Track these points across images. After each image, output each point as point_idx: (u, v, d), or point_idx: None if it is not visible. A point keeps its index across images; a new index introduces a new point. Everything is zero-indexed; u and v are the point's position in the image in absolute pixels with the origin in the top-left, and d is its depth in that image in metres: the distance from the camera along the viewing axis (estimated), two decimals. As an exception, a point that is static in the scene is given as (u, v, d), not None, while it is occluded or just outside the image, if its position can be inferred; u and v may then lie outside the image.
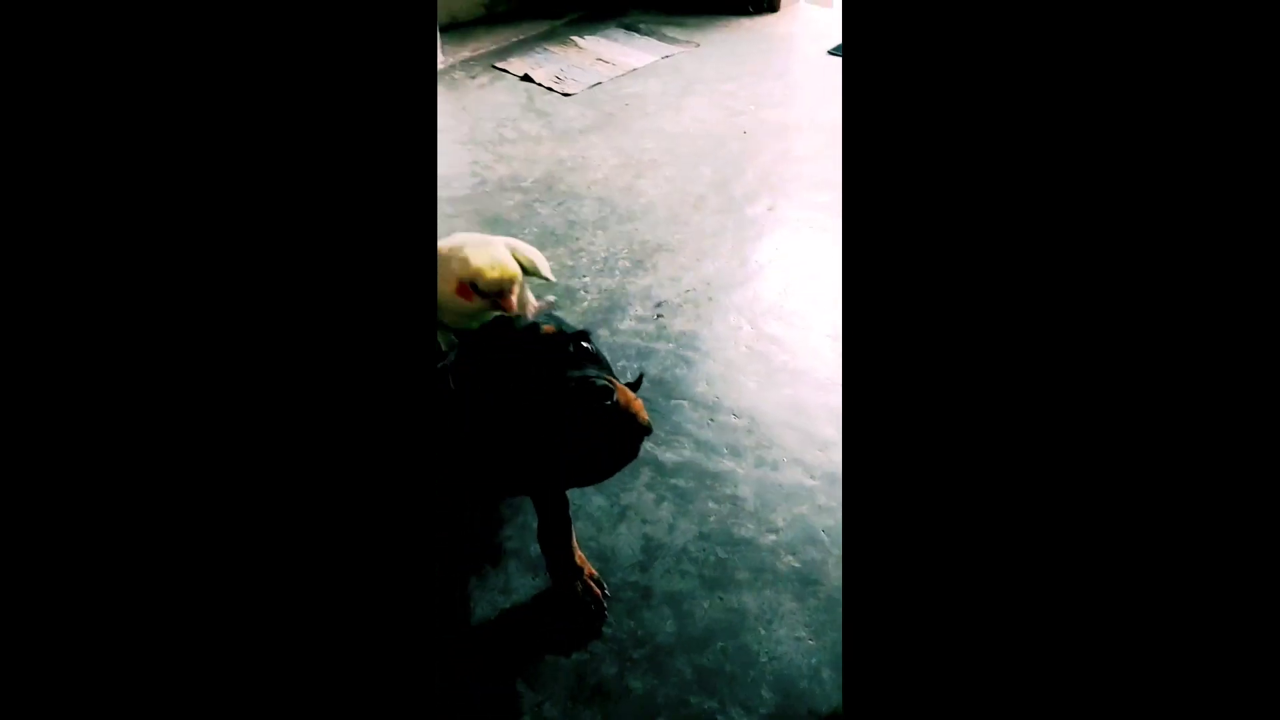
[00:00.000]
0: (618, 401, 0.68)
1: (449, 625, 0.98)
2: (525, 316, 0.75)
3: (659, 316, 1.49)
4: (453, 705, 0.89)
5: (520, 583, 1.02)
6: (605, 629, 0.96)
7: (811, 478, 1.15)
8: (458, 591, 1.01)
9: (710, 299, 1.53)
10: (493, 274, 0.64)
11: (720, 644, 0.94)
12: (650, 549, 1.05)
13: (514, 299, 0.66)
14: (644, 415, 0.70)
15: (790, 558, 1.03)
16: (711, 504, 1.11)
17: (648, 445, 1.20)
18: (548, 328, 0.73)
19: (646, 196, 1.91)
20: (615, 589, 1.00)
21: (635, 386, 1.29)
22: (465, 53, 2.83)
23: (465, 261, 0.65)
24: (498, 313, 0.71)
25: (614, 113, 2.36)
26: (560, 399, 0.68)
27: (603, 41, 2.86)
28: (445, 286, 0.69)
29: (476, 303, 0.67)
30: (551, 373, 0.70)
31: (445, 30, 2.86)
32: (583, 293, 1.55)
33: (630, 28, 2.99)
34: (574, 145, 2.18)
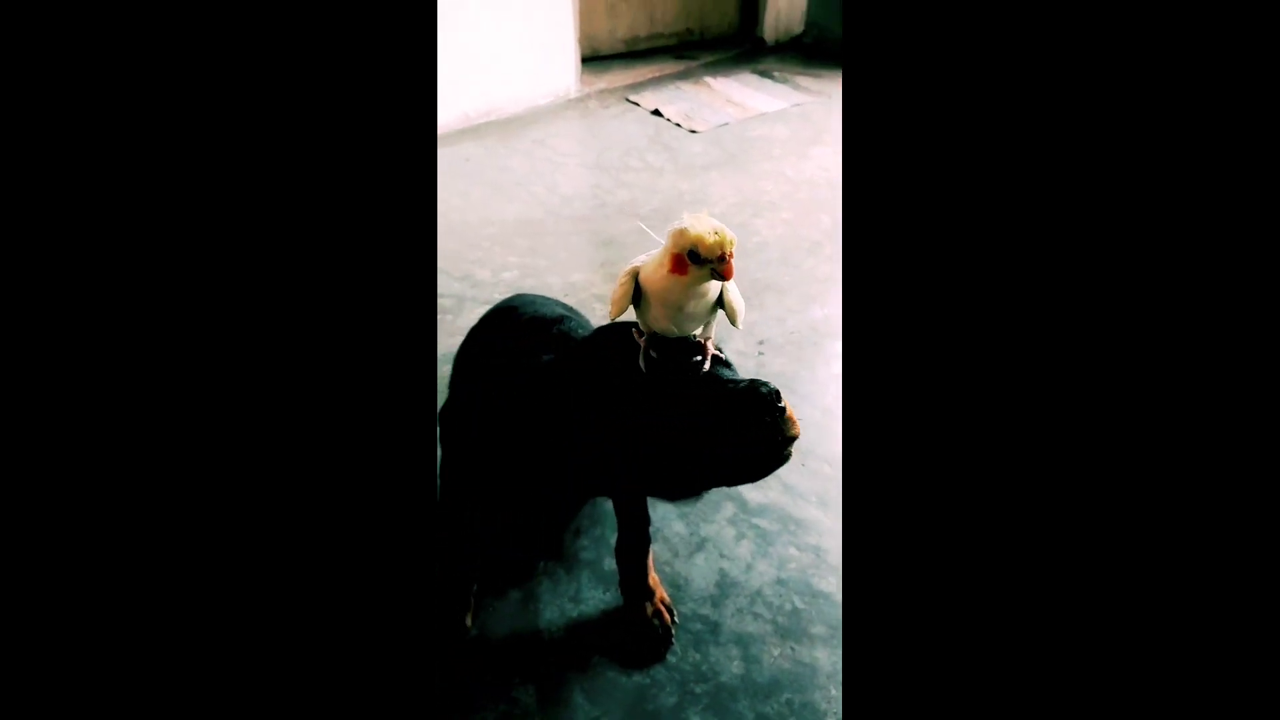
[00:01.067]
0: (785, 409, 0.71)
1: (511, 625, 0.99)
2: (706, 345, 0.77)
3: (760, 354, 1.48)
4: (509, 704, 0.90)
5: (591, 594, 1.02)
6: (670, 656, 0.94)
7: (902, 541, 1.09)
8: (526, 592, 1.02)
9: (814, 344, 1.51)
10: (714, 238, 0.66)
11: (786, 696, 0.90)
12: (725, 584, 1.03)
13: (733, 264, 0.67)
14: (797, 426, 0.72)
15: (871, 620, 0.98)
16: (793, 550, 1.08)
17: (734, 480, 1.18)
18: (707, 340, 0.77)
19: (761, 236, 1.91)
20: (684, 619, 0.99)
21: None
22: (601, 84, 2.97)
23: (682, 232, 0.67)
24: (717, 284, 0.72)
25: (737, 153, 2.39)
26: (731, 398, 0.71)
27: (735, 84, 2.92)
28: (659, 271, 0.71)
29: (693, 274, 0.68)
30: (716, 376, 0.74)
31: (586, 61, 3.01)
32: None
33: (764, 74, 3.04)
34: (695, 180, 2.22)
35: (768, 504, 1.15)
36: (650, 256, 0.73)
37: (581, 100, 2.87)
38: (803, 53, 3.32)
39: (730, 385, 0.72)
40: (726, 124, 2.60)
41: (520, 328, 0.98)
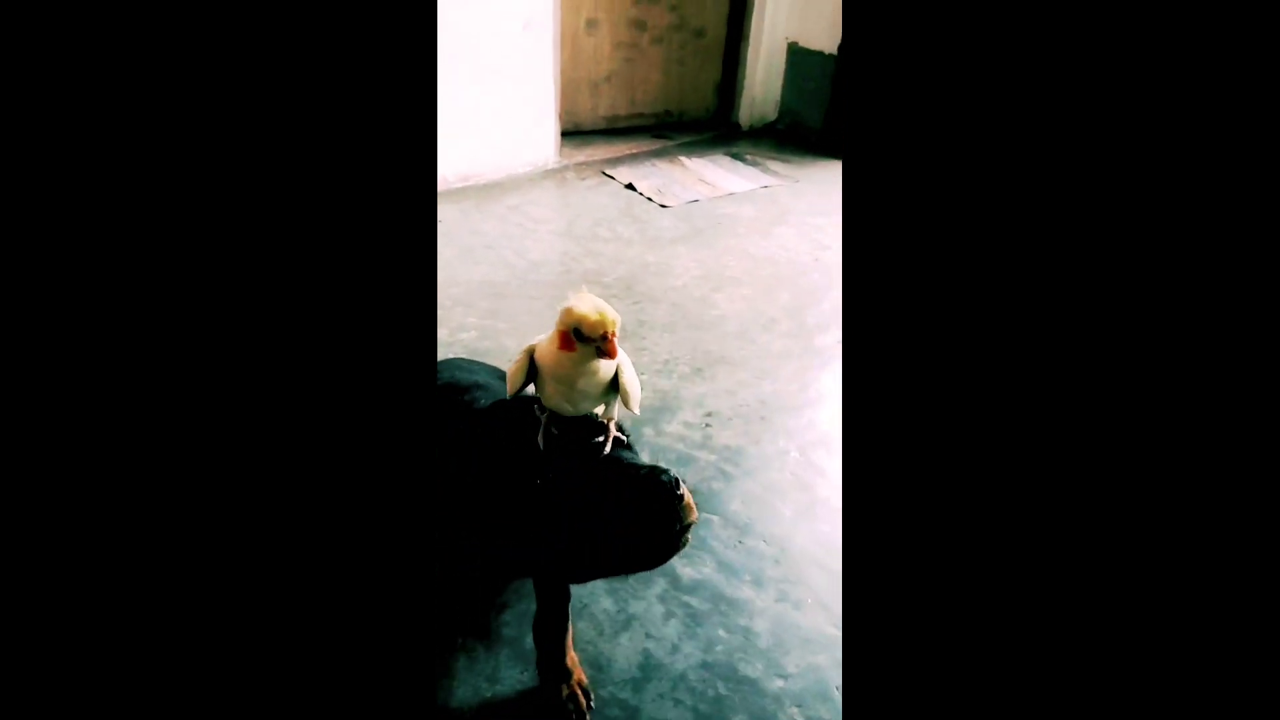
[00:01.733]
0: (684, 496, 0.71)
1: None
2: (607, 424, 0.79)
3: (707, 426, 1.48)
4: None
5: (508, 674, 0.98)
6: (582, 744, 0.89)
7: (834, 626, 1.06)
8: (440, 669, 0.98)
9: (763, 418, 1.51)
10: (596, 317, 0.67)
11: (701, 792, 0.85)
12: (648, 666, 0.99)
13: (616, 343, 0.68)
14: (695, 513, 0.72)
15: (795, 710, 0.94)
16: (722, 631, 1.04)
17: (669, 555, 1.15)
18: (609, 419, 0.78)
19: (720, 310, 1.94)
20: (602, 702, 0.94)
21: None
22: (580, 157, 3.08)
23: (567, 310, 0.69)
24: (610, 363, 0.72)
25: (704, 229, 2.46)
26: (630, 484, 0.71)
27: (708, 165, 3.04)
28: (550, 348, 0.72)
29: (580, 351, 0.69)
30: (616, 459, 0.75)
31: (567, 135, 3.13)
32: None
33: (737, 156, 3.17)
34: (661, 252, 2.28)
35: (701, 580, 1.12)
36: (547, 336, 0.75)
37: (560, 171, 2.96)
38: (776, 138, 3.48)
39: (630, 468, 0.72)
40: (697, 200, 2.68)
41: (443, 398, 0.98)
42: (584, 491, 0.73)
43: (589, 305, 0.69)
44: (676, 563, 1.14)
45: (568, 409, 0.75)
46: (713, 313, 1.93)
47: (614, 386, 0.77)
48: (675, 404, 1.54)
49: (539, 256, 2.22)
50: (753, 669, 0.99)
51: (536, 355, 0.75)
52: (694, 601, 1.09)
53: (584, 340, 0.69)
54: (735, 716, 0.93)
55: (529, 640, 1.01)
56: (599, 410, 0.77)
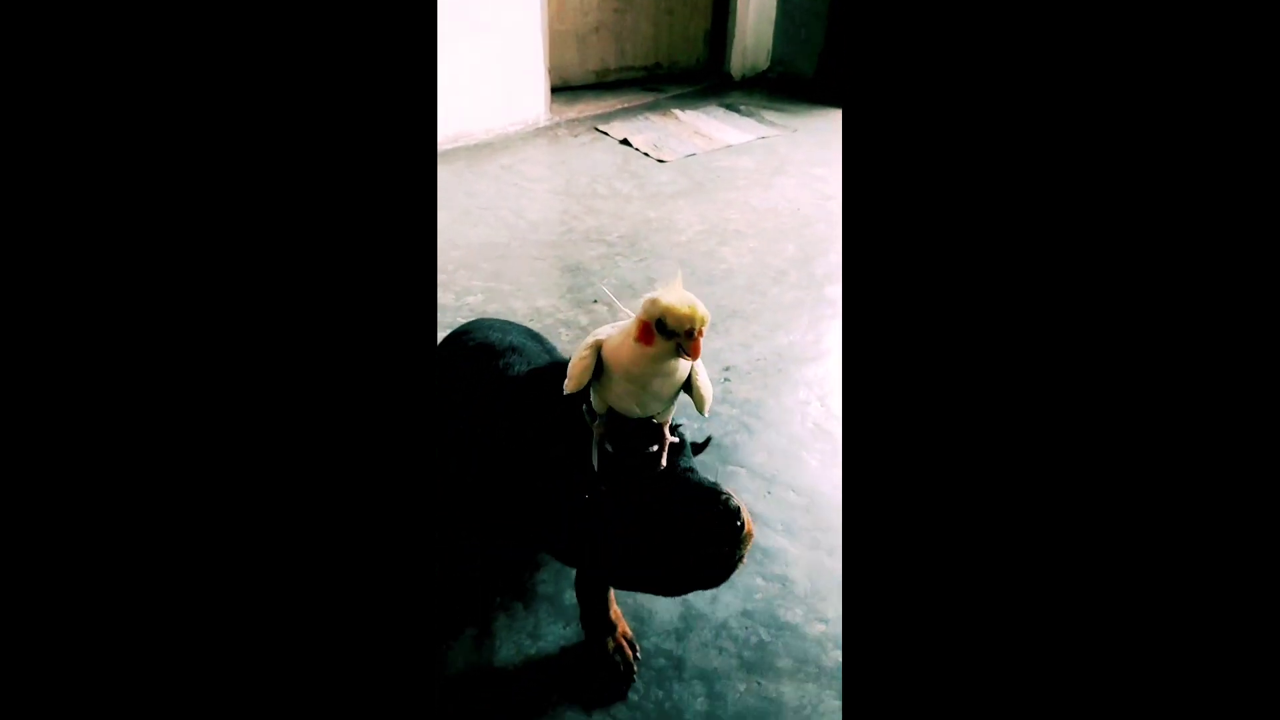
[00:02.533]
0: (744, 524, 0.66)
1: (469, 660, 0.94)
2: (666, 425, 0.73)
3: (726, 380, 1.47)
4: (461, 748, 0.85)
5: (549, 629, 0.98)
6: (631, 694, 0.90)
7: (869, 570, 1.07)
8: (481, 628, 0.97)
9: (780, 370, 1.50)
10: (685, 309, 0.60)
11: (752, 734, 0.87)
12: (690, 617, 1.00)
13: (700, 343, 0.62)
14: (752, 538, 0.68)
15: (838, 652, 0.96)
16: (759, 580, 1.05)
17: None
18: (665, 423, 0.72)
19: (727, 264, 1.92)
20: (647, 654, 0.95)
21: (701, 448, 1.26)
22: (571, 113, 3.00)
23: (653, 300, 0.61)
24: (686, 364, 0.66)
25: (704, 183, 2.42)
26: (686, 506, 0.67)
27: (702, 117, 2.97)
28: (625, 342, 0.65)
29: (659, 346, 0.62)
30: (673, 473, 0.70)
31: (556, 91, 3.04)
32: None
33: (731, 108, 3.10)
34: (662, 208, 2.23)
35: (733, 533, 1.12)
36: (615, 329, 0.68)
37: (551, 128, 2.88)
38: (768, 88, 3.40)
39: (687, 489, 0.68)
40: (694, 154, 2.63)
41: (468, 357, 0.94)
42: (636, 511, 0.68)
43: (678, 296, 0.61)
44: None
45: (635, 411, 0.68)
46: (720, 267, 1.90)
47: (681, 389, 0.70)
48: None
49: (538, 216, 2.17)
50: (793, 615, 1.00)
51: (605, 352, 0.67)
52: (728, 552, 1.09)
53: (667, 334, 0.62)
54: (780, 660, 0.94)
55: (567, 596, 1.01)
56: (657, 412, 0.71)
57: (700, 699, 0.90)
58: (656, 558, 0.68)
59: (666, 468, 0.70)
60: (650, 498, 0.68)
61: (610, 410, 0.69)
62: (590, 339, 0.69)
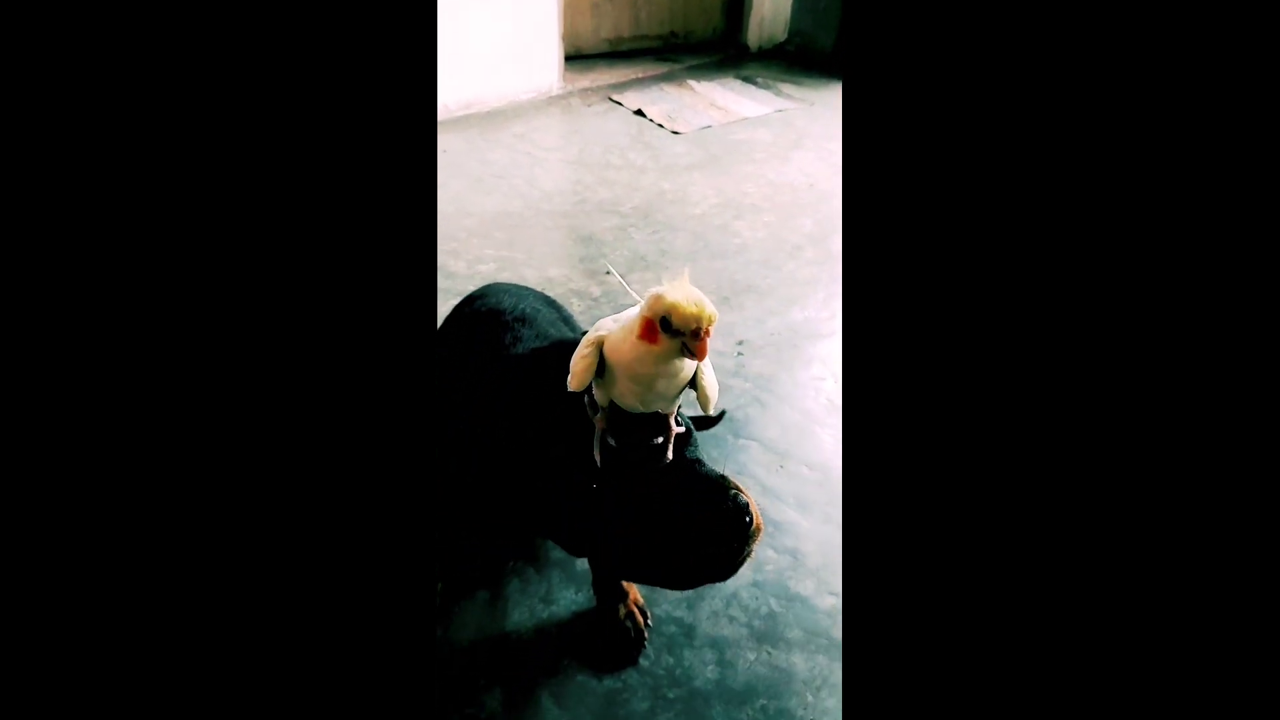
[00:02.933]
0: (753, 520, 0.65)
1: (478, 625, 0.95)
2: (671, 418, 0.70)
3: (739, 354, 1.46)
4: (476, 708, 0.86)
5: (562, 594, 0.98)
6: (643, 660, 0.91)
7: (881, 545, 1.07)
8: (493, 592, 0.98)
9: (794, 345, 1.49)
10: (692, 308, 0.57)
11: (761, 702, 0.87)
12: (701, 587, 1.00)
13: (708, 344, 0.59)
14: (760, 534, 0.67)
15: (849, 625, 0.96)
16: (771, 553, 1.05)
17: (711, 480, 1.15)
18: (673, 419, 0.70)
19: (742, 238, 1.90)
20: (658, 621, 0.95)
21: (714, 422, 1.25)
22: (585, 82, 2.95)
23: (658, 296, 0.58)
24: (691, 363, 0.63)
25: (720, 155, 2.38)
26: (692, 501, 0.65)
27: (718, 89, 2.92)
28: (627, 339, 0.62)
29: (663, 345, 0.60)
30: (679, 465, 0.68)
31: (570, 60, 2.99)
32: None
33: (747, 79, 3.05)
34: (676, 180, 2.21)
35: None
36: (618, 323, 0.65)
37: (564, 97, 2.84)
38: (785, 60, 3.34)
39: (694, 481, 0.66)
40: (709, 126, 2.59)
41: (478, 323, 0.92)
42: (640, 507, 0.67)
43: (685, 293, 0.58)
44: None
45: (638, 408, 0.65)
46: (735, 241, 1.88)
47: (686, 386, 0.67)
48: (705, 332, 1.51)
49: (551, 186, 2.14)
50: (803, 587, 1.01)
51: (606, 349, 0.64)
52: (740, 524, 1.09)
53: (671, 333, 0.59)
54: (790, 631, 0.95)
55: (580, 562, 1.02)
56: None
57: (710, 666, 0.91)
58: (662, 555, 0.68)
59: (673, 460, 0.68)
60: (655, 493, 0.67)
61: (613, 403, 0.67)
62: (592, 334, 0.66)
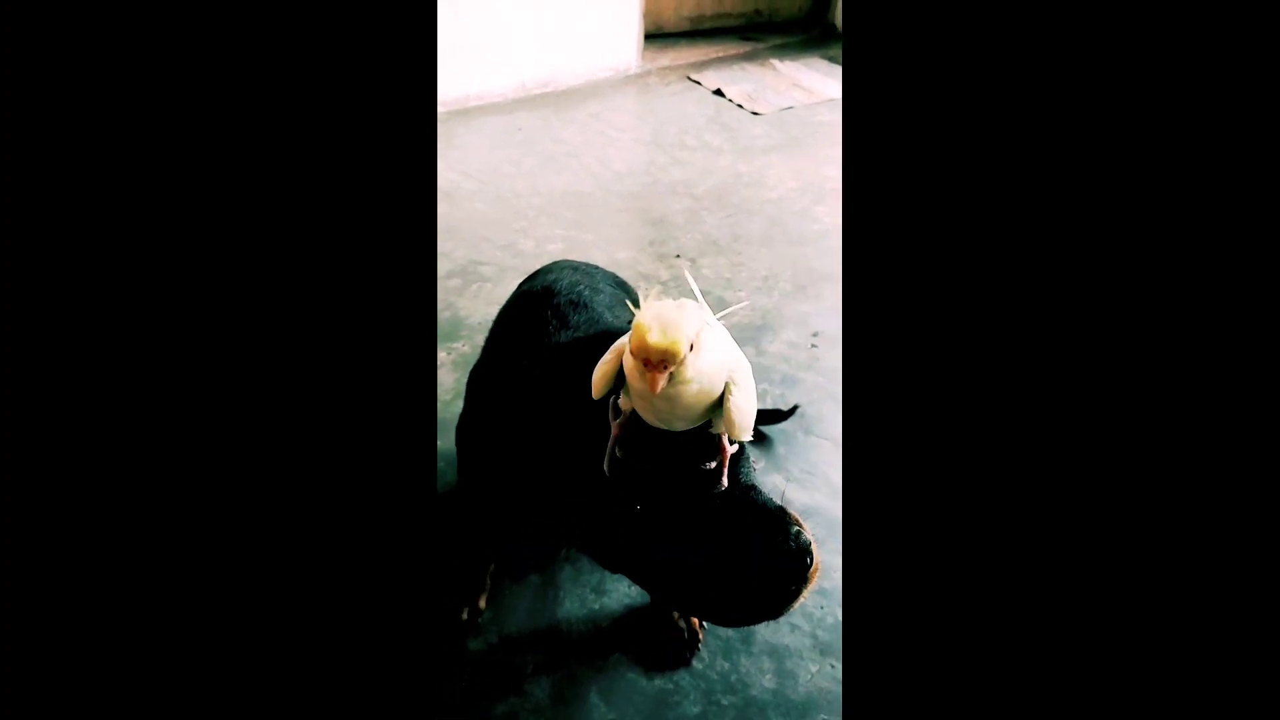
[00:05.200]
0: (813, 559, 0.59)
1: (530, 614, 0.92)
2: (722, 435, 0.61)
3: (814, 346, 1.38)
4: (520, 696, 0.84)
5: (615, 587, 0.95)
6: (696, 662, 0.86)
7: (961, 560, 0.99)
8: (545, 579, 0.96)
9: (873, 340, 1.40)
10: (652, 338, 0.51)
11: (822, 717, 0.81)
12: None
13: (662, 380, 0.52)
14: (818, 574, 0.61)
15: (922, 645, 0.88)
16: (839, 559, 0.98)
17: (777, 478, 1.09)
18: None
19: (821, 224, 1.80)
20: (713, 624, 0.91)
21: (784, 417, 1.18)
22: (664, 61, 2.88)
23: (641, 313, 0.53)
24: (698, 379, 0.54)
25: (801, 138, 2.28)
26: (747, 534, 0.59)
27: (802, 69, 2.80)
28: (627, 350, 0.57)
29: (634, 363, 0.54)
30: (731, 494, 0.61)
31: (649, 38, 2.92)
32: (736, 307, 1.48)
33: (834, 60, 2.90)
34: (754, 162, 2.12)
35: (814, 506, 1.06)
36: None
37: (642, 76, 2.78)
38: (876, 40, 3.17)
39: (753, 512, 0.59)
40: (791, 107, 2.48)
41: (526, 306, 0.85)
42: (688, 539, 0.60)
43: (650, 315, 0.51)
44: (788, 486, 1.08)
45: (655, 423, 0.57)
46: (814, 227, 1.79)
47: (718, 406, 0.57)
48: (777, 322, 1.44)
49: (623, 166, 2.10)
50: (873, 599, 0.93)
51: (625, 355, 0.57)
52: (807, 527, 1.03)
53: (634, 355, 0.52)
54: (857, 646, 0.88)
55: (635, 556, 0.98)
56: (697, 424, 0.59)
57: (768, 675, 0.85)
58: (708, 590, 0.62)
59: (726, 487, 0.61)
60: (704, 522, 0.60)
61: (636, 415, 0.59)
62: (619, 343, 0.59)
